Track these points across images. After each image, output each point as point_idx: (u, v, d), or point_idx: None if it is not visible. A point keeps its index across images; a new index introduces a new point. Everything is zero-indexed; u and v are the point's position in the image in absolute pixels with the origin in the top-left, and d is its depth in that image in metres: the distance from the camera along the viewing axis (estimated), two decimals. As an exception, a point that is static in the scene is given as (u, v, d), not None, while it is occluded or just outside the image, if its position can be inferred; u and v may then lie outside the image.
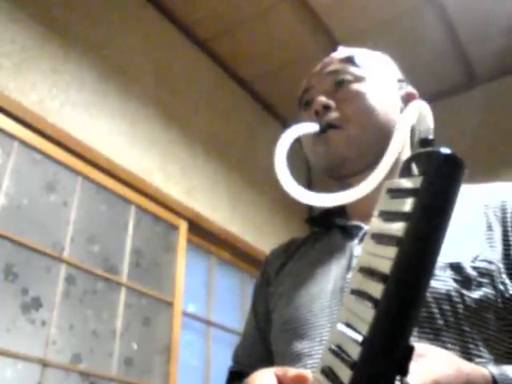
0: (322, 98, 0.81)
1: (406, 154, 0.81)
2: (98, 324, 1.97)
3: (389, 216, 0.47)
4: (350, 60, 0.85)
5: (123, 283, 2.12)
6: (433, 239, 0.44)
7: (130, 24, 2.56)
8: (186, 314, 2.46)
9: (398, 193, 0.47)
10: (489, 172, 2.97)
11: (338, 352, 0.48)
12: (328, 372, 0.48)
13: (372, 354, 0.45)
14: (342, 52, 0.89)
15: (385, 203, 0.49)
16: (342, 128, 0.79)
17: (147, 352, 2.15)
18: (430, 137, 0.52)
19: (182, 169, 2.61)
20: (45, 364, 1.74)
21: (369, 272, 0.47)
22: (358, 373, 0.45)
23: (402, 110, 0.85)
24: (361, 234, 0.77)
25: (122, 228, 2.22)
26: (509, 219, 0.70)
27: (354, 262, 0.72)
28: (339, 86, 0.83)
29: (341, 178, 0.81)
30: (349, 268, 0.73)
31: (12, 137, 1.88)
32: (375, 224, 0.49)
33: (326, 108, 0.80)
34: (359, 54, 0.87)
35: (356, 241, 0.76)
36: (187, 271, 2.47)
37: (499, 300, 0.65)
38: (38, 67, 2.04)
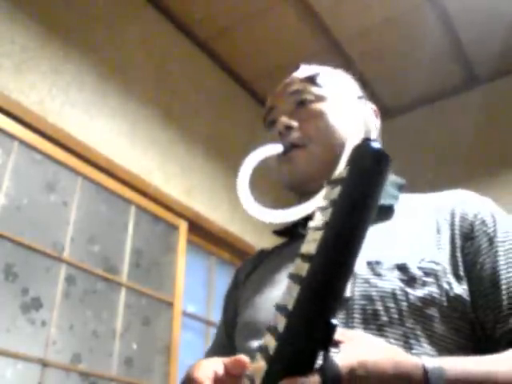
0: (285, 119, 0.85)
1: None
2: (97, 324, 1.97)
3: (326, 205, 0.51)
4: (311, 80, 0.88)
5: (123, 283, 2.12)
6: (352, 221, 0.48)
7: (130, 24, 2.56)
8: (185, 314, 2.46)
9: (334, 183, 0.52)
10: (489, 172, 2.97)
11: (272, 329, 0.51)
12: (263, 349, 0.52)
13: (294, 325, 0.48)
14: (303, 71, 0.92)
15: (326, 194, 0.53)
16: (305, 147, 0.83)
17: (147, 352, 2.15)
18: (372, 138, 0.55)
19: (182, 169, 2.61)
20: (45, 364, 1.74)
21: (303, 256, 0.51)
22: (282, 344, 0.49)
23: (376, 125, 0.90)
24: None
25: (122, 228, 2.22)
26: (456, 224, 0.75)
27: None
28: (301, 105, 0.87)
29: (305, 195, 0.85)
30: None
31: (12, 137, 1.88)
32: (317, 215, 0.53)
33: (289, 128, 0.84)
34: (320, 73, 0.90)
35: None
36: (187, 271, 2.47)
37: (444, 298, 0.68)
38: (37, 67, 2.04)
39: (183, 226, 2.51)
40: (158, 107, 2.57)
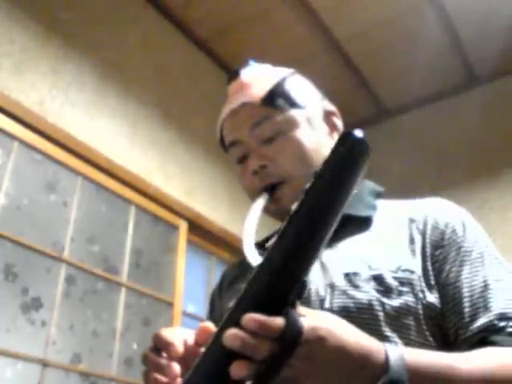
0: (256, 159, 0.81)
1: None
2: (97, 324, 1.97)
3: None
4: (266, 103, 0.81)
5: (123, 283, 2.12)
6: (319, 199, 0.54)
7: (130, 24, 2.56)
8: (186, 314, 2.46)
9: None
10: (489, 172, 2.97)
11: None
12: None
13: (262, 275, 0.52)
14: (252, 87, 0.84)
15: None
16: (286, 183, 0.80)
17: (147, 352, 2.15)
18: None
19: (182, 169, 2.61)
20: (45, 364, 1.74)
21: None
22: (247, 291, 0.52)
23: (328, 133, 0.86)
24: None
25: (122, 228, 2.22)
26: (428, 232, 0.76)
27: None
28: (269, 141, 0.81)
29: None
30: None
31: (12, 137, 1.88)
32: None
33: (263, 167, 0.81)
34: (274, 91, 0.82)
35: None
36: (187, 271, 2.47)
37: (419, 307, 0.70)
38: (37, 67, 2.04)
39: (183, 226, 2.51)
40: (158, 107, 2.57)
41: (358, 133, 0.56)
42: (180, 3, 2.71)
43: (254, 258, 0.67)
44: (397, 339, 0.68)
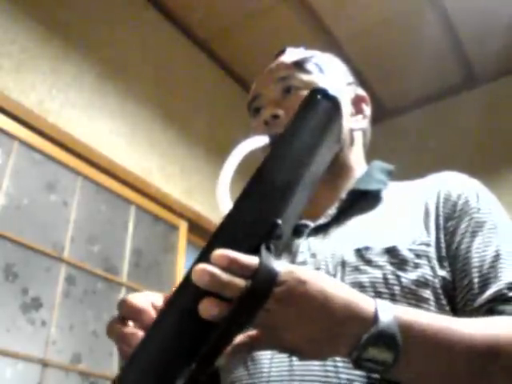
0: (270, 108, 0.81)
1: (354, 158, 0.85)
2: (97, 324, 1.97)
3: None
4: (298, 65, 0.84)
5: (123, 283, 2.12)
6: (285, 147, 0.57)
7: (130, 24, 2.56)
8: (186, 314, 2.46)
9: None
10: (490, 172, 2.97)
11: None
12: None
13: (229, 217, 0.51)
14: (289, 56, 0.87)
15: None
16: None
17: (147, 352, 2.15)
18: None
19: (182, 169, 2.61)
20: (45, 364, 1.74)
21: None
22: (218, 234, 0.50)
23: (352, 114, 0.87)
24: (307, 230, 0.78)
25: (122, 228, 2.22)
26: (441, 204, 0.73)
27: (299, 258, 0.74)
28: (288, 93, 0.83)
29: None
30: (293, 262, 0.74)
31: (12, 137, 1.88)
32: None
33: (275, 117, 0.80)
34: (308, 57, 0.86)
35: (303, 238, 0.77)
36: (187, 271, 2.47)
37: (437, 280, 0.67)
38: (37, 67, 2.04)
39: (183, 226, 2.51)
40: (158, 107, 2.57)
41: (331, 91, 0.61)
42: (180, 3, 2.71)
43: (225, 205, 0.64)
44: None
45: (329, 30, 2.84)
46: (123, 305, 0.59)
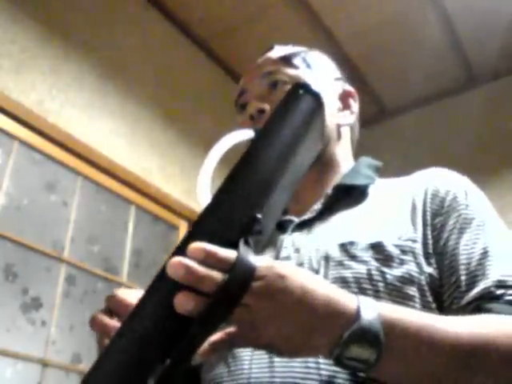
0: (256, 102, 0.81)
1: (341, 153, 0.85)
2: (98, 324, 1.97)
3: None
4: (285, 60, 0.84)
5: (123, 283, 2.12)
6: (265, 141, 0.56)
7: (130, 24, 2.56)
8: (186, 314, 2.46)
9: None
10: (489, 172, 2.97)
11: None
12: None
13: (208, 210, 0.51)
14: (277, 51, 0.87)
15: None
16: None
17: (147, 352, 2.15)
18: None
19: (182, 169, 2.61)
20: (45, 364, 1.74)
21: None
22: (196, 227, 0.49)
23: (339, 109, 0.86)
24: (292, 226, 0.77)
25: (122, 228, 2.22)
26: (428, 200, 0.72)
27: (283, 253, 0.73)
28: (274, 88, 0.82)
29: None
30: (277, 258, 0.73)
31: (12, 137, 1.88)
32: None
33: (261, 112, 0.80)
34: (295, 53, 0.86)
35: (287, 233, 0.77)
36: (187, 271, 2.47)
37: (422, 277, 0.65)
38: (37, 67, 2.04)
39: (183, 226, 2.51)
40: (158, 107, 2.57)
41: (313, 86, 0.61)
42: (180, 3, 2.71)
43: (205, 198, 0.64)
44: None
45: (329, 29, 2.84)
46: (112, 298, 0.59)
